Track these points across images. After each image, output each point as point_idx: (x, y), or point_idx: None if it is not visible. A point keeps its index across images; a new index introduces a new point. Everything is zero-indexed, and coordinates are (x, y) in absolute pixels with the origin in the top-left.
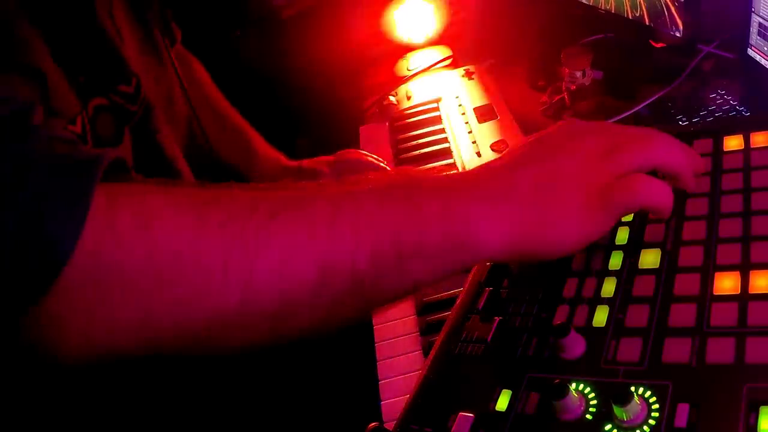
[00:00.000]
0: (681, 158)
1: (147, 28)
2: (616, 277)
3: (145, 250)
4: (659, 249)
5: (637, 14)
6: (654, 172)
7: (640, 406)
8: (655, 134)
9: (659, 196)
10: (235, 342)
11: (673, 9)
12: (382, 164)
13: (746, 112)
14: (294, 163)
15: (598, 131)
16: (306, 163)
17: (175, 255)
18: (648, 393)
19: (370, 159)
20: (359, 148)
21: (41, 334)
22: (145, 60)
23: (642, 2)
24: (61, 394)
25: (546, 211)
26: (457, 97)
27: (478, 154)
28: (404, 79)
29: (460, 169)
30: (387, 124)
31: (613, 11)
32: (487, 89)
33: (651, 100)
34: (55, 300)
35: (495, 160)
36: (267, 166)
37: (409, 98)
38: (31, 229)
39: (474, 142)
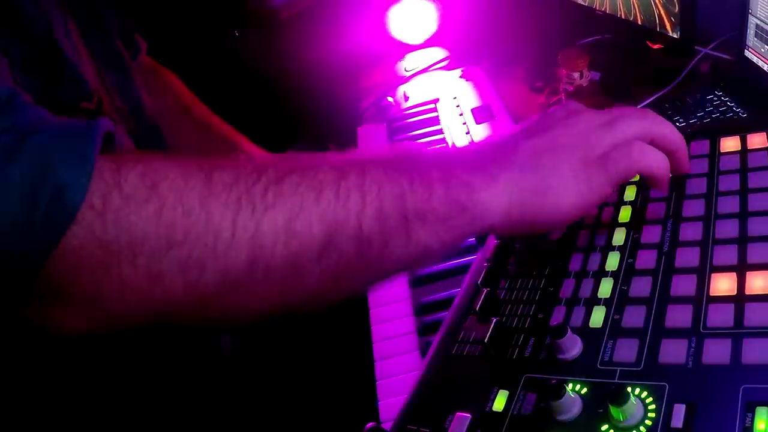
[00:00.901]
0: (676, 133)
1: (108, 41)
2: (613, 278)
3: (153, 210)
4: (656, 250)
5: (637, 16)
6: None
7: (636, 407)
8: (651, 111)
9: (656, 162)
10: (246, 306)
11: (670, 10)
12: None
13: (743, 114)
14: None
15: (596, 109)
16: None
17: (183, 214)
18: (644, 393)
19: None
20: (357, 149)
21: (50, 300)
22: (106, 76)
23: (639, 4)
24: (61, 393)
25: (545, 177)
26: (454, 98)
27: None
28: (402, 80)
29: None
30: (385, 124)
31: (610, 13)
32: (484, 90)
33: (648, 101)
34: (63, 261)
35: (496, 136)
36: None
37: (407, 99)
38: (39, 180)
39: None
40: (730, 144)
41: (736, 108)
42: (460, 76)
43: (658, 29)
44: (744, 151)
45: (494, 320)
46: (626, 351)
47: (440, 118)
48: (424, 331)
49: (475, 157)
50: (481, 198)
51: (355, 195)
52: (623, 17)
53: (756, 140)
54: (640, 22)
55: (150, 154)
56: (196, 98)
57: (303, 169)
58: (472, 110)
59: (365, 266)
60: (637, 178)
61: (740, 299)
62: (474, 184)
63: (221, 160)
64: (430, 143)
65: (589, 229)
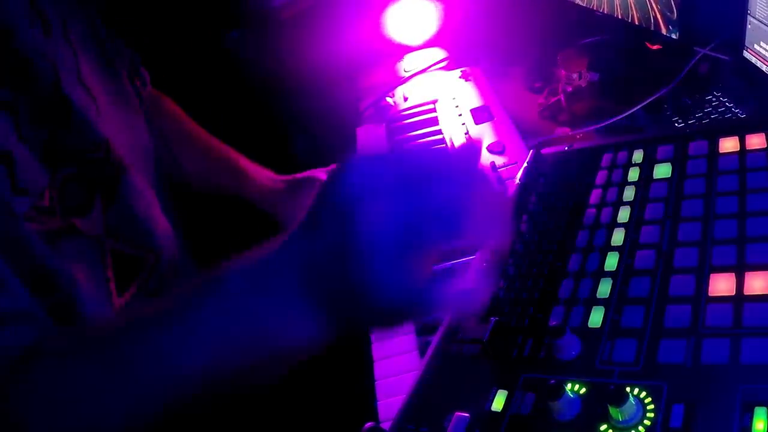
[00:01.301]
0: None
1: (118, 79)
2: (612, 278)
3: None
4: (655, 250)
5: (633, 17)
6: None
7: (635, 407)
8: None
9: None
10: None
11: (668, 11)
12: None
13: (742, 114)
14: (287, 177)
15: None
16: (300, 175)
17: None
18: (643, 393)
19: None
20: (356, 150)
21: None
22: (118, 115)
23: (638, 4)
24: None
25: None
26: (453, 99)
27: None
28: (401, 81)
29: None
30: (384, 125)
31: (609, 13)
32: (483, 91)
33: (647, 101)
34: None
35: None
36: (261, 184)
37: (406, 99)
38: None
39: None
40: (728, 144)
41: (735, 109)
42: (459, 77)
43: (657, 30)
44: (742, 152)
45: (493, 320)
46: (625, 351)
47: (439, 118)
48: (423, 330)
49: None
50: None
51: None
52: (622, 18)
53: (754, 141)
54: (638, 23)
55: None
56: (194, 123)
57: None
58: (471, 111)
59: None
60: (636, 177)
61: (739, 299)
62: None
63: None
64: (428, 144)
65: (587, 229)
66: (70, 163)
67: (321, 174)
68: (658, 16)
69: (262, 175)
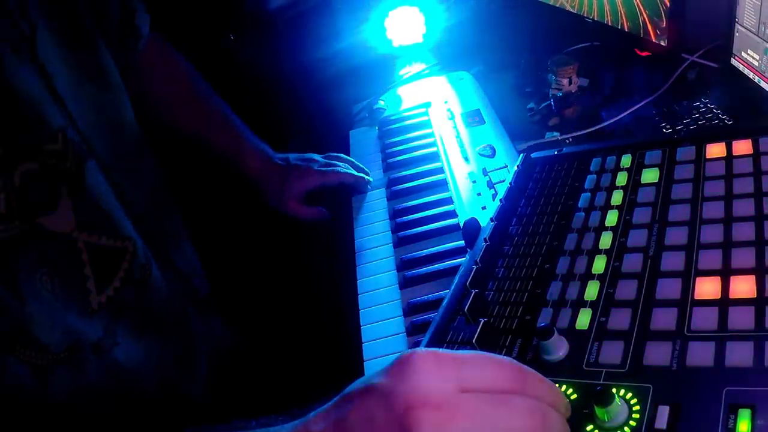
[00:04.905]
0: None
1: (89, 49)
2: (600, 281)
3: None
4: (642, 253)
5: (623, 23)
6: None
7: (621, 408)
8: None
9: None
10: None
11: (658, 18)
12: (366, 177)
13: (729, 121)
14: (283, 156)
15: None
16: (294, 156)
17: None
18: (629, 395)
19: (357, 165)
20: (349, 153)
21: None
22: (85, 90)
23: (628, 12)
24: None
25: None
26: (445, 103)
27: (466, 159)
28: (394, 84)
29: (447, 174)
30: (376, 128)
31: (599, 20)
32: (475, 95)
33: (636, 107)
34: None
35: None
36: (255, 158)
37: (398, 103)
38: None
39: (462, 147)
40: (715, 150)
41: (722, 115)
42: (452, 81)
43: (646, 37)
44: (729, 158)
45: (482, 321)
46: (612, 353)
47: (431, 122)
48: (414, 331)
49: None
50: None
51: None
52: (612, 25)
53: (741, 147)
54: (628, 30)
55: None
56: (202, 81)
57: None
58: (463, 115)
59: None
60: (624, 182)
61: (724, 303)
62: None
63: None
64: (420, 147)
65: (576, 232)
66: (27, 157)
67: (315, 163)
68: (650, 22)
69: (260, 150)
